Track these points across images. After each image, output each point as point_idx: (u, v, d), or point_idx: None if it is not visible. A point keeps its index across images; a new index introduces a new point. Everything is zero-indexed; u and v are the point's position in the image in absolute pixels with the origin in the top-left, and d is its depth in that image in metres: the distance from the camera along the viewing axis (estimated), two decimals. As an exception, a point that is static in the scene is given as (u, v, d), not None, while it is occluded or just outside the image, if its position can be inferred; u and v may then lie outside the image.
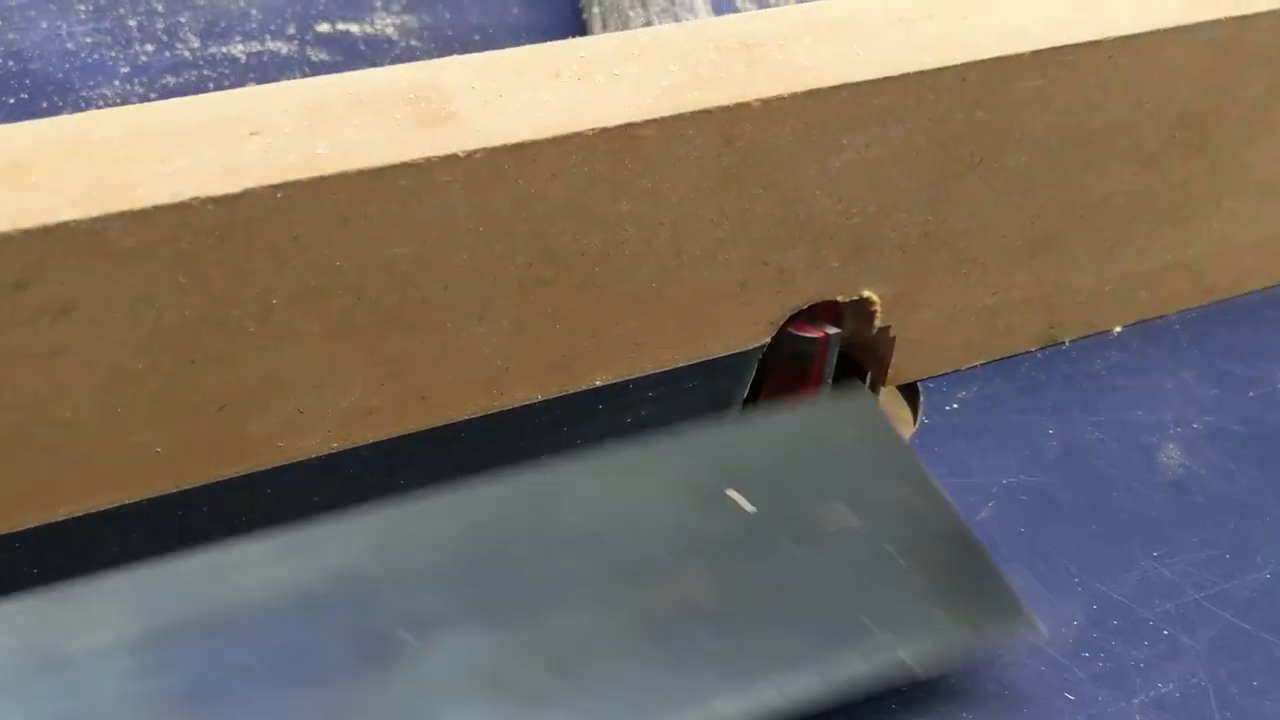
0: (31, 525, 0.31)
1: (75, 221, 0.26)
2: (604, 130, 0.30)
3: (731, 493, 0.32)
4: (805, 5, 0.36)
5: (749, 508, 0.32)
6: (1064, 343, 0.44)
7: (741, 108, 0.32)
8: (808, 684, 0.29)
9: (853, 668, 0.29)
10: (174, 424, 0.31)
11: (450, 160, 0.29)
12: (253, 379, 0.31)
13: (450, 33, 0.58)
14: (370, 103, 0.30)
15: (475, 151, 0.29)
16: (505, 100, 0.31)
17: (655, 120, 0.31)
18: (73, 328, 0.28)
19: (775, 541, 0.31)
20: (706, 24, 0.34)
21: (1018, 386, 0.42)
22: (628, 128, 0.31)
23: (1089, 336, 0.44)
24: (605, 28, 0.50)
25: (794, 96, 0.32)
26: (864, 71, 0.33)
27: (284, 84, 0.31)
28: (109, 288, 0.28)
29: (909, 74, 0.33)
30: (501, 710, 0.27)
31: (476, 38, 0.58)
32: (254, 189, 0.28)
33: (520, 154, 0.30)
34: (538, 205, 0.31)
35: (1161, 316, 0.46)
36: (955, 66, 0.34)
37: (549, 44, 0.33)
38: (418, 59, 0.56)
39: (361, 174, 0.28)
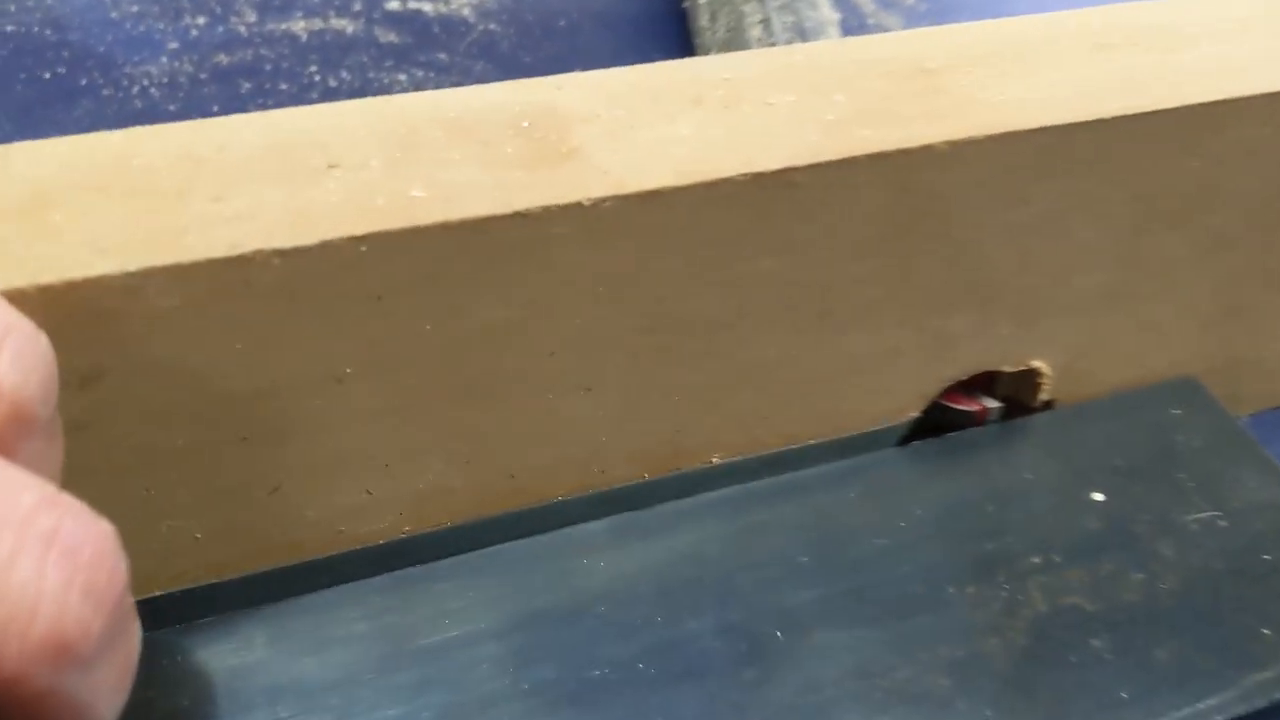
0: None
1: (108, 277, 0.21)
2: (759, 176, 0.25)
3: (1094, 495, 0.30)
4: (989, 23, 0.30)
5: (1102, 499, 0.30)
6: (1241, 416, 0.38)
7: (926, 151, 0.26)
8: (1218, 703, 0.26)
9: (1258, 686, 0.26)
10: (218, 508, 0.25)
11: (571, 210, 0.23)
12: (314, 459, 0.25)
13: (531, 17, 0.52)
14: (474, 131, 0.25)
15: (603, 200, 0.24)
16: (637, 133, 0.25)
17: (820, 165, 0.25)
18: (98, 399, 0.23)
19: (1141, 539, 0.29)
20: (872, 42, 0.29)
21: (1188, 470, 0.36)
22: (787, 173, 0.25)
23: (1268, 410, 0.38)
24: (714, 20, 0.45)
25: (987, 140, 0.26)
26: (1065, 112, 0.27)
27: (369, 102, 0.25)
28: (144, 353, 0.22)
29: (1117, 118, 0.27)
30: (904, 717, 0.25)
31: (561, 23, 0.52)
32: (332, 241, 0.22)
33: (654, 203, 0.24)
34: (666, 262, 0.25)
35: (1349, 389, 0.39)
36: (1170, 110, 0.28)
37: (688, 61, 0.27)
38: (497, 46, 0.50)
39: (464, 225, 0.23)
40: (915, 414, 0.32)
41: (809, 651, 0.26)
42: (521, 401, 0.27)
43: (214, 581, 0.27)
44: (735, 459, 0.30)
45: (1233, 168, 0.30)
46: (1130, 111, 0.27)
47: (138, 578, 0.25)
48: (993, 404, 0.32)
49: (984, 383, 0.33)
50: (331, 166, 0.23)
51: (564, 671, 0.25)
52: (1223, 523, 0.30)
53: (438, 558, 0.28)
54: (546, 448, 0.28)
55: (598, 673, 0.25)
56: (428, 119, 0.25)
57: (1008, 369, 0.32)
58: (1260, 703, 0.26)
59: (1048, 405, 0.33)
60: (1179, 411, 0.33)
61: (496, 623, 0.26)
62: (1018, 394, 0.33)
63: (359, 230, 0.22)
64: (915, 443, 0.31)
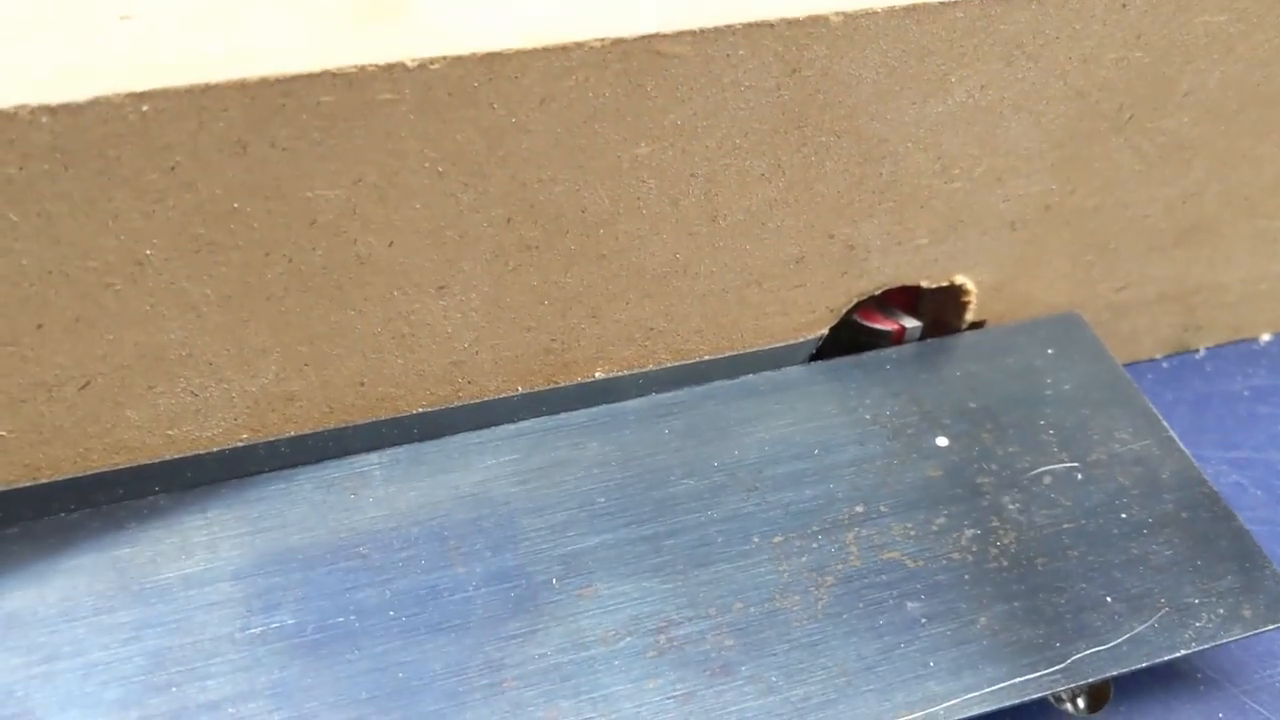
0: None
1: None
2: (619, 42, 0.22)
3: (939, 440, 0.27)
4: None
5: (946, 444, 0.27)
6: (1198, 350, 0.35)
7: (815, 23, 0.23)
8: (1038, 678, 0.24)
9: (1088, 661, 0.24)
10: (21, 403, 0.23)
11: (395, 71, 0.20)
12: (124, 352, 0.23)
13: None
14: (294, -18, 0.22)
15: (432, 61, 0.21)
16: (485, -9, 0.22)
17: (692, 33, 0.22)
18: None
19: (983, 491, 0.27)
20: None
21: (1137, 406, 0.33)
22: (652, 40, 0.22)
23: (1229, 344, 0.35)
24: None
25: (890, 13, 0.23)
26: (990, -16, 0.24)
27: (182, -51, 0.22)
28: (-97, 223, 0.20)
29: (1052, -8, 0.24)
30: (676, 681, 0.23)
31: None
32: (107, 98, 0.19)
33: (497, 68, 0.21)
34: (521, 142, 0.22)
35: (1323, 325, 0.36)
36: (1117, -14, 0.24)
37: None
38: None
39: (266, 84, 0.20)
40: (823, 331, 0.29)
41: (585, 603, 0.24)
42: (365, 300, 0.24)
43: (32, 484, 0.24)
44: (621, 374, 0.28)
45: (1193, 62, 0.27)
46: (1065, -11, 0.24)
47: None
48: (911, 323, 0.29)
49: (907, 299, 0.30)
50: (124, 17, 0.21)
51: (304, 618, 0.23)
52: (1080, 475, 0.27)
53: (280, 468, 0.26)
54: (399, 354, 0.25)
55: (341, 620, 0.23)
56: (244, -32, 0.22)
57: (927, 284, 0.29)
58: (1090, 678, 0.24)
59: (976, 326, 0.30)
60: (1054, 351, 0.30)
61: (242, 560, 0.24)
62: (942, 313, 0.30)
63: (139, 87, 0.19)
64: (746, 376, 0.28)
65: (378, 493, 0.25)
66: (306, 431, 0.26)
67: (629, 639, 0.23)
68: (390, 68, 0.20)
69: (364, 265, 0.23)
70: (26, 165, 0.20)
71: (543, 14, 0.22)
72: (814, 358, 0.29)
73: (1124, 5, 0.25)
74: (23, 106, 0.19)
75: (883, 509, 0.26)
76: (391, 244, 0.23)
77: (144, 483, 0.25)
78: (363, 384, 0.25)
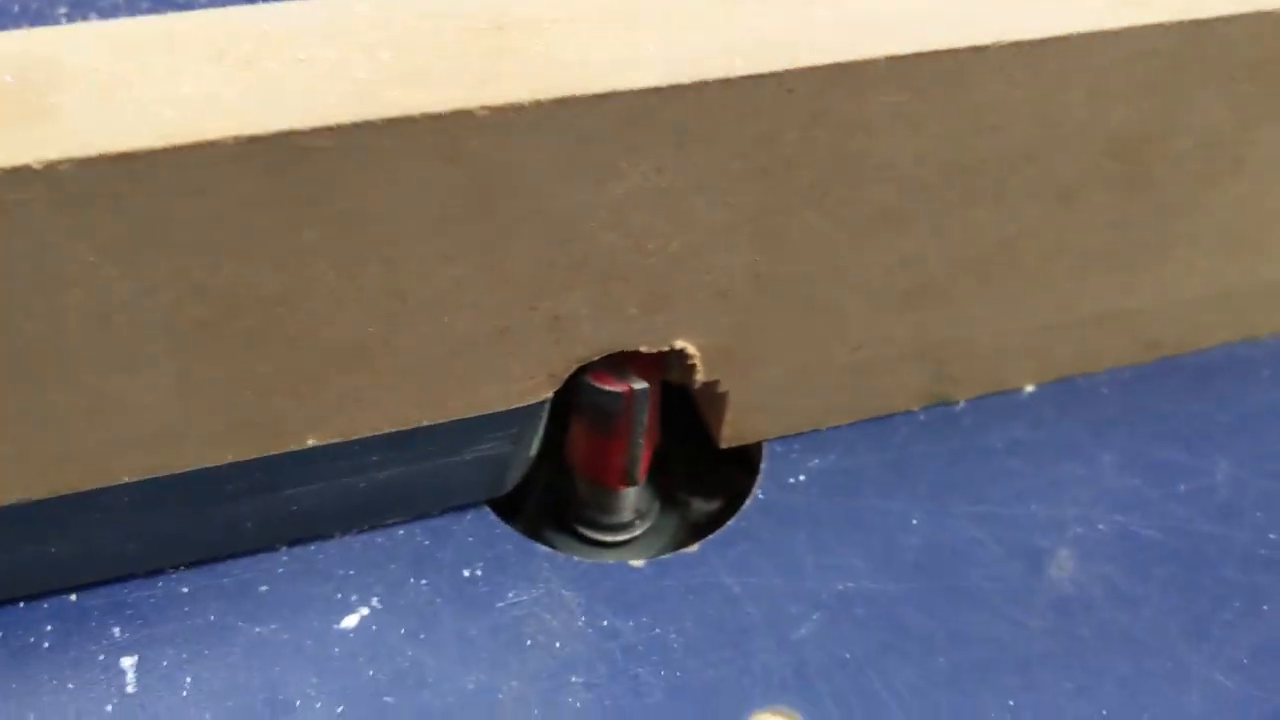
0: None
1: None
2: (255, 139, 0.22)
3: None
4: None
5: None
6: (958, 402, 0.36)
7: (461, 117, 0.23)
8: None
9: None
10: None
11: (22, 174, 0.21)
12: None
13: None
14: (-59, 85, 0.22)
15: (60, 162, 0.21)
16: (132, 90, 0.23)
17: (331, 128, 0.23)
18: None
19: None
20: (462, -7, 0.26)
21: (886, 459, 0.34)
22: (290, 136, 0.23)
23: (993, 395, 0.36)
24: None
25: (536, 106, 0.24)
26: (646, 76, 0.25)
27: None
28: None
29: (708, 82, 0.25)
30: None
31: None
32: None
33: (130, 167, 0.22)
34: (172, 231, 0.23)
35: (1089, 374, 0.37)
36: (775, 74, 0.25)
37: (232, 11, 0.25)
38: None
39: (-110, 189, 0.21)
40: (548, 394, 0.29)
41: None
42: (50, 380, 0.25)
43: None
44: (336, 441, 0.28)
45: (880, 139, 0.28)
46: (723, 76, 0.25)
47: None
48: (639, 385, 0.30)
49: (654, 358, 0.30)
50: None
51: None
52: None
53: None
54: (95, 431, 0.26)
55: None
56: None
57: (646, 350, 0.29)
58: None
59: (712, 385, 0.31)
60: None
61: None
62: (679, 376, 0.31)
63: None
64: None
65: None
66: (13, 502, 0.27)
67: None
68: (16, 170, 0.21)
69: (41, 349, 0.24)
70: None
71: (184, 113, 0.22)
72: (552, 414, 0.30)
73: (790, 91, 0.26)
74: None
75: None
76: (60, 331, 0.24)
77: None
78: (65, 459, 0.26)
